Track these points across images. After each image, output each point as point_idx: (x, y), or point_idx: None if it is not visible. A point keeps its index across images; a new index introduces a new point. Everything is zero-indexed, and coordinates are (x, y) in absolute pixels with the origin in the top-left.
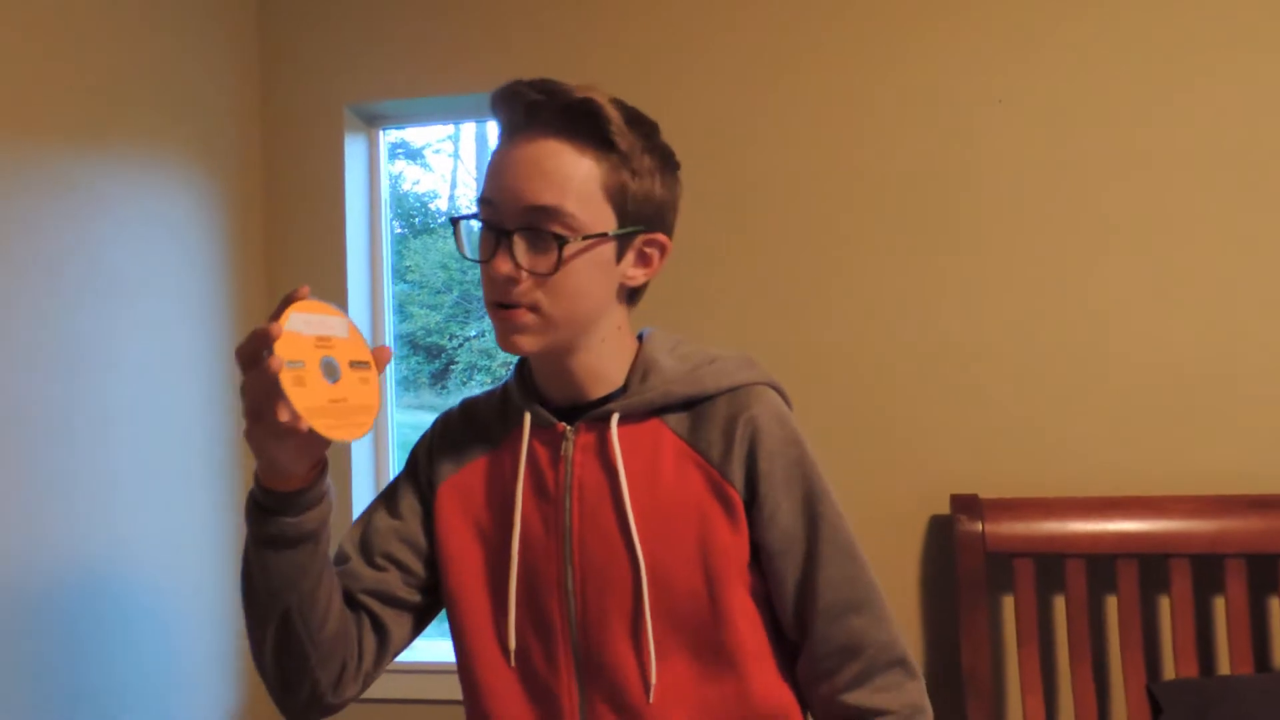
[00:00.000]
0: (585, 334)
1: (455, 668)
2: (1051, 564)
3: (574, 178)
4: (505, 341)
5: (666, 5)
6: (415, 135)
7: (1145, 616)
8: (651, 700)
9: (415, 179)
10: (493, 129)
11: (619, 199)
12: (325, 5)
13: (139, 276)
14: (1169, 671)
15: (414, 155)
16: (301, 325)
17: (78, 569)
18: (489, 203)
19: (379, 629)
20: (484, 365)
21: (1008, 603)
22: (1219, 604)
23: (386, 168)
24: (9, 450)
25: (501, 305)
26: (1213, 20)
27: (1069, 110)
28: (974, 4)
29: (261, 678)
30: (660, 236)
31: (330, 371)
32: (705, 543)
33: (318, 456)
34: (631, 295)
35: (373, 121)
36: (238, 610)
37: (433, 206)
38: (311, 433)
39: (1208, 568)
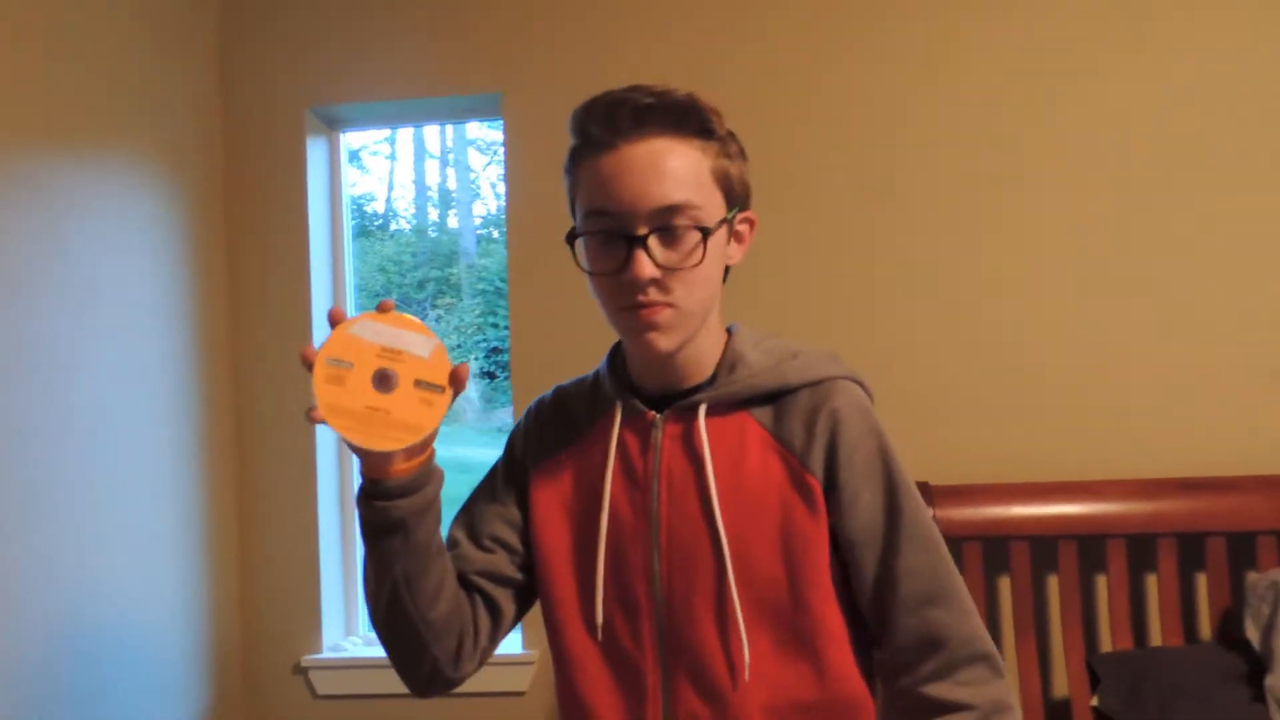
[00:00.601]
0: (705, 322)
1: (512, 660)
2: (998, 546)
3: (692, 171)
4: (640, 340)
5: (635, 8)
6: (352, 137)
7: (1084, 594)
8: (742, 681)
9: (353, 181)
10: (449, 131)
11: (725, 183)
12: (286, 10)
13: (103, 277)
14: (1106, 645)
15: (351, 157)
16: (369, 332)
17: (44, 573)
18: (605, 214)
19: (492, 607)
20: None
21: None
22: (1151, 581)
23: (346, 171)
24: None
25: (637, 306)
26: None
27: (1007, 108)
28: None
29: (386, 654)
30: (751, 214)
31: (384, 382)
32: (786, 530)
33: (402, 454)
34: (726, 276)
35: (333, 124)
36: (203, 612)
37: (369, 209)
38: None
39: (1141, 547)
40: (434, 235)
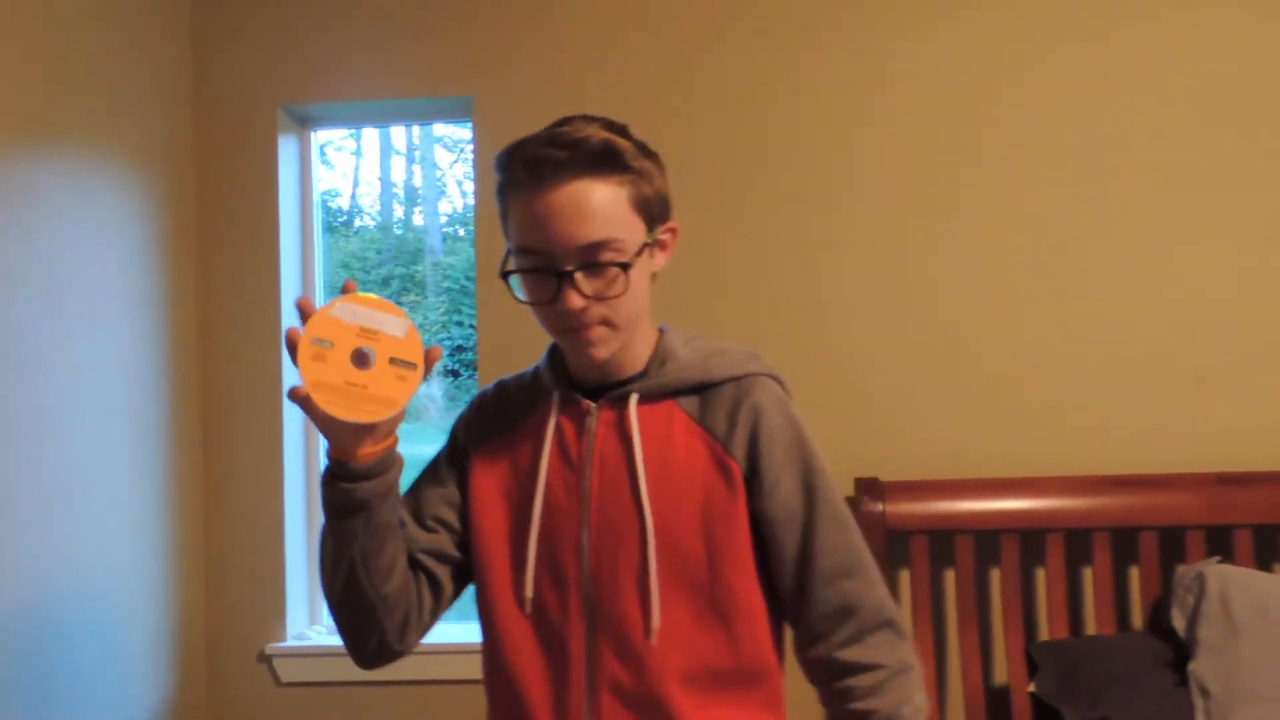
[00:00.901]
0: (637, 327)
1: (470, 648)
2: (943, 540)
3: (612, 206)
4: (583, 356)
5: (603, 16)
6: (320, 134)
7: (1024, 585)
8: (652, 642)
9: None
10: (415, 129)
11: (644, 209)
12: (260, 8)
13: (73, 272)
14: (1044, 634)
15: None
16: (347, 314)
17: (9, 560)
18: (533, 252)
19: (434, 584)
20: None
21: (904, 576)
22: (1088, 573)
23: (317, 169)
24: None
25: (574, 329)
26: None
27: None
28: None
29: (336, 628)
30: (673, 224)
31: (362, 360)
32: (707, 509)
33: (369, 437)
34: (655, 278)
35: (305, 123)
36: (168, 601)
37: (334, 205)
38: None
39: (1078, 541)
40: (399, 232)
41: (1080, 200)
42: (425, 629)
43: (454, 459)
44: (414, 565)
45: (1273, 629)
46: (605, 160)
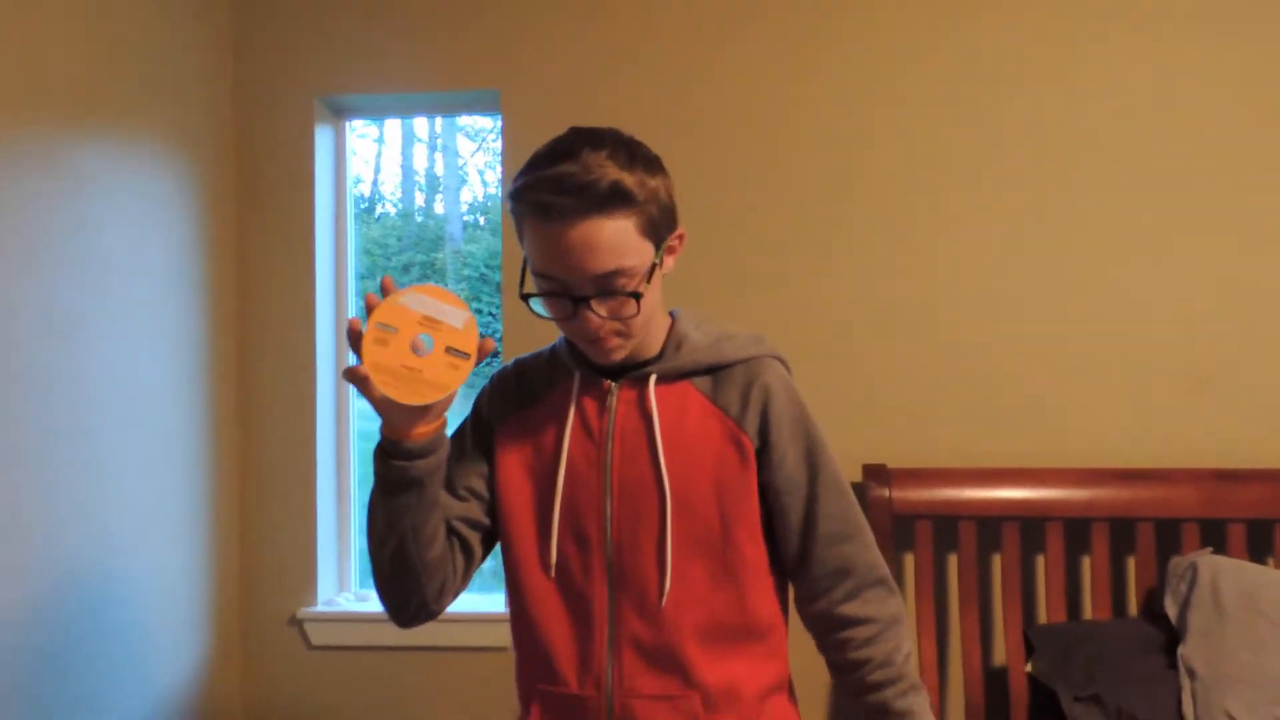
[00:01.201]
0: (650, 326)
1: (488, 617)
2: (947, 526)
3: (621, 238)
4: (600, 360)
5: (630, 9)
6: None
7: (1024, 571)
8: (664, 604)
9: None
10: (439, 121)
11: (652, 231)
12: (296, 2)
13: (118, 251)
14: (1042, 618)
15: None
16: (414, 303)
17: (60, 534)
18: (551, 278)
19: (466, 549)
20: None
21: (909, 560)
22: (1086, 561)
23: (351, 159)
24: None
25: (591, 340)
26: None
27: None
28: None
29: (378, 593)
30: (680, 230)
31: (421, 346)
32: (720, 478)
33: (422, 419)
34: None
35: (340, 113)
36: (205, 567)
37: (356, 192)
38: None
39: (1078, 530)
40: (420, 220)
41: (1086, 196)
42: (458, 591)
43: (479, 432)
44: (449, 532)
45: (1260, 616)
46: (613, 200)
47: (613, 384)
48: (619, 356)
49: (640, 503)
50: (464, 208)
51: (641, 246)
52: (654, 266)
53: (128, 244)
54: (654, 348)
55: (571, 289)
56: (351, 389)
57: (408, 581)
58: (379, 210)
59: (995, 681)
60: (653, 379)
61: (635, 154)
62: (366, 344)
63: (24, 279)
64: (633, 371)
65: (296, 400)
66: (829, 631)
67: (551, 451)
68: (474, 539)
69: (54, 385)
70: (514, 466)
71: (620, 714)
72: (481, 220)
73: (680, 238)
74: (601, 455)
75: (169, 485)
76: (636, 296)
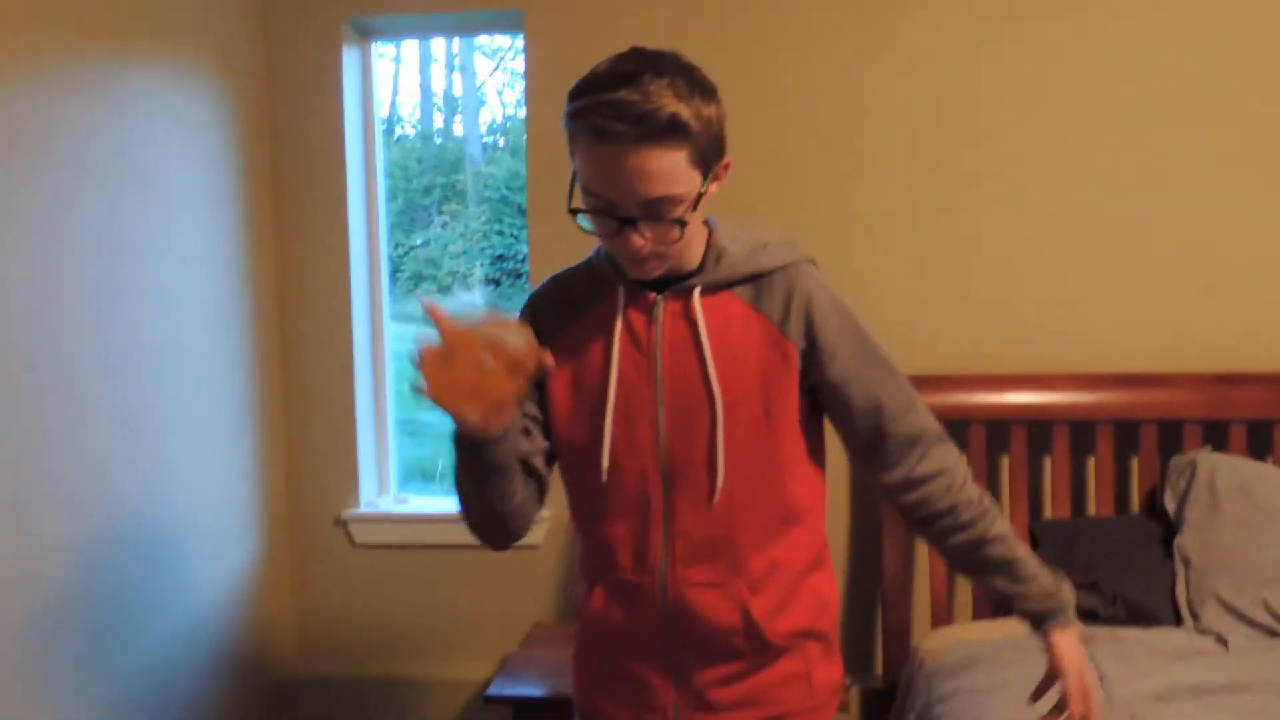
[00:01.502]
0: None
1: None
2: (958, 429)
3: (672, 167)
4: (641, 276)
5: None
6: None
7: (1031, 472)
8: (715, 500)
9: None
10: (456, 41)
11: (701, 161)
12: None
13: (158, 167)
14: (1048, 514)
15: None
16: (480, 331)
17: (122, 439)
18: (598, 195)
19: (538, 476)
20: (430, 274)
21: None
22: (1090, 462)
23: (377, 79)
24: (61, 323)
25: (631, 259)
26: None
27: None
28: None
29: (472, 533)
30: (727, 159)
31: (481, 364)
32: (765, 381)
33: (499, 423)
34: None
35: (366, 34)
36: (255, 472)
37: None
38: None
39: (1083, 432)
40: (439, 142)
41: (1091, 115)
42: (538, 511)
43: None
44: (524, 469)
45: (1252, 508)
46: (670, 132)
47: (658, 297)
48: (656, 274)
49: (691, 410)
50: (483, 129)
51: (690, 176)
52: (700, 195)
53: (168, 160)
54: (694, 260)
55: (618, 210)
56: (387, 310)
57: (497, 529)
58: (398, 132)
59: None
60: (697, 291)
61: (694, 81)
62: (429, 364)
63: (71, 195)
64: (676, 285)
65: (333, 315)
66: (911, 492)
67: (601, 364)
68: (540, 464)
69: (99, 294)
70: (565, 381)
71: (673, 598)
72: (501, 142)
73: (726, 166)
74: (651, 365)
75: (217, 395)
76: (681, 224)
